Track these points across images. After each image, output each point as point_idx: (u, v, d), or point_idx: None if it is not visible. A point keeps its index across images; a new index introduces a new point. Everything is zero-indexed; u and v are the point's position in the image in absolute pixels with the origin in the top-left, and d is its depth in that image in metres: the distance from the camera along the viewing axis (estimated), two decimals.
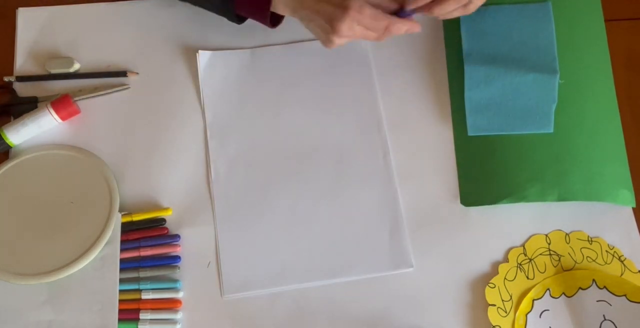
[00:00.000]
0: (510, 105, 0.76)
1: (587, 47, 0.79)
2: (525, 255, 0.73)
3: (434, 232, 0.75)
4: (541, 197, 0.72)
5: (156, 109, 0.80)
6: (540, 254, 0.73)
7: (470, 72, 0.77)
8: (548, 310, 0.71)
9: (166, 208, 0.75)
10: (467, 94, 0.77)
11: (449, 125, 0.78)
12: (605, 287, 0.71)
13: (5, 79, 0.81)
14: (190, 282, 0.73)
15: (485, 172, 0.75)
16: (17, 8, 0.84)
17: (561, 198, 0.72)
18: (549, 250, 0.74)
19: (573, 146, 0.74)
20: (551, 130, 0.75)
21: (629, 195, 0.74)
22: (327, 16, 0.66)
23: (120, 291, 0.71)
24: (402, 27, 0.67)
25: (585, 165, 0.73)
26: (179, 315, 0.71)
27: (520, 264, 0.73)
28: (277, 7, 0.72)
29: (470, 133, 0.76)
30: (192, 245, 0.74)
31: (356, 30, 0.67)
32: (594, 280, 0.72)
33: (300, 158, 0.77)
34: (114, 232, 0.73)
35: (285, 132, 0.79)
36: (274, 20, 0.75)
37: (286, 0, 0.70)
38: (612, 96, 0.78)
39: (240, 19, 0.77)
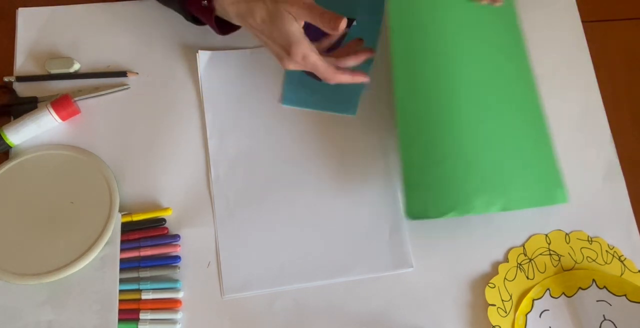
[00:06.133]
0: (323, 85, 0.72)
1: (510, 60, 0.73)
2: (525, 255, 0.73)
3: (434, 232, 0.74)
4: (486, 209, 0.67)
5: (156, 109, 0.80)
6: (540, 254, 0.73)
7: None
8: (548, 310, 0.71)
9: (166, 208, 0.75)
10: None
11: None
12: (605, 287, 0.71)
13: (5, 79, 0.81)
14: (190, 282, 0.73)
15: (432, 182, 0.69)
16: (17, 8, 0.84)
17: (504, 208, 0.68)
18: (549, 250, 0.74)
19: (512, 152, 0.69)
20: (354, 114, 0.74)
21: (562, 192, 0.70)
22: (280, 46, 0.68)
23: (120, 291, 0.71)
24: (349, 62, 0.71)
25: (524, 171, 0.68)
26: (179, 315, 0.71)
27: (520, 264, 0.73)
28: (229, 16, 0.71)
29: (284, 104, 0.75)
30: (192, 245, 0.74)
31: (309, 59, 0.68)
32: (594, 280, 0.72)
33: (300, 158, 0.77)
34: (114, 232, 0.73)
35: (285, 131, 0.79)
36: (228, 27, 0.74)
37: (237, 13, 0.70)
38: (534, 99, 0.73)
39: (197, 20, 0.77)
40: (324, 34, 0.72)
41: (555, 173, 0.71)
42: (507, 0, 0.73)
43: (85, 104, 0.80)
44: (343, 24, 0.66)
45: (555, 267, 0.73)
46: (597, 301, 0.71)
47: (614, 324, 0.70)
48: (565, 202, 0.70)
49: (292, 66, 0.69)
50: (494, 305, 0.71)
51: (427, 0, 0.72)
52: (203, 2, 0.71)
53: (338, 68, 0.70)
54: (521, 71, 0.74)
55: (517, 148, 0.69)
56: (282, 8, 0.67)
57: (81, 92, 0.80)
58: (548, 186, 0.69)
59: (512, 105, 0.71)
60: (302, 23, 0.69)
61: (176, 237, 0.74)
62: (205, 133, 0.78)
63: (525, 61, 0.75)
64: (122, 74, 0.81)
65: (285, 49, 0.68)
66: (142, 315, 0.70)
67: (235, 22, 0.72)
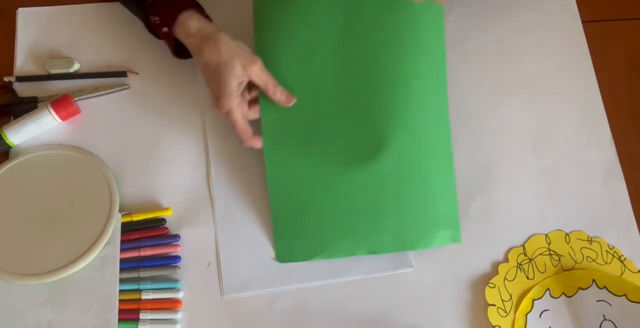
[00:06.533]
0: None
1: (427, 100, 0.71)
2: (525, 255, 0.73)
3: None
4: (352, 252, 0.71)
5: (156, 109, 0.80)
6: (540, 254, 0.73)
7: None
8: (548, 310, 0.71)
9: (166, 208, 0.75)
10: None
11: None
12: (605, 287, 0.71)
13: (5, 79, 0.81)
14: (190, 282, 0.73)
15: (299, 227, 0.72)
16: (17, 8, 0.84)
17: (371, 251, 0.71)
18: (549, 250, 0.74)
19: (385, 198, 0.70)
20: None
21: (450, 233, 0.71)
22: (213, 92, 0.70)
23: (120, 291, 0.71)
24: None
25: (396, 216, 0.70)
26: (179, 315, 0.71)
27: (520, 264, 0.73)
28: (186, 46, 0.72)
29: None
30: (192, 245, 0.74)
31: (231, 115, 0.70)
32: (594, 280, 0.72)
33: None
34: (114, 232, 0.73)
35: None
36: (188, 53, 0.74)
37: (189, 47, 0.71)
38: (447, 140, 0.73)
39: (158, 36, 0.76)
40: None
41: (443, 216, 0.71)
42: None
43: (85, 104, 0.80)
44: (293, 102, 0.71)
45: (555, 267, 0.73)
46: (597, 301, 0.71)
47: (614, 324, 0.70)
48: (457, 242, 0.72)
49: (217, 113, 0.71)
50: (494, 305, 0.71)
51: (295, 30, 0.73)
52: (163, 29, 0.72)
53: (254, 134, 0.71)
54: (422, 104, 0.71)
55: (390, 193, 0.70)
56: (237, 62, 0.67)
57: (81, 92, 0.80)
58: (428, 229, 0.70)
59: (393, 151, 0.70)
60: (245, 83, 0.70)
61: (176, 237, 0.74)
62: (205, 133, 0.78)
63: (438, 109, 0.72)
64: (122, 74, 0.81)
65: (216, 98, 0.69)
66: (142, 315, 0.70)
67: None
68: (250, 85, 0.71)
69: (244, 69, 0.68)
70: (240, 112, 0.69)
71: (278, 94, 0.71)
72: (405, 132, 0.70)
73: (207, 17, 0.73)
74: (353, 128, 0.71)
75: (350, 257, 0.72)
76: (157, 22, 0.72)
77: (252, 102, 0.72)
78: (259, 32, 0.74)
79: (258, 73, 0.69)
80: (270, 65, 0.71)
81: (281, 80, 0.71)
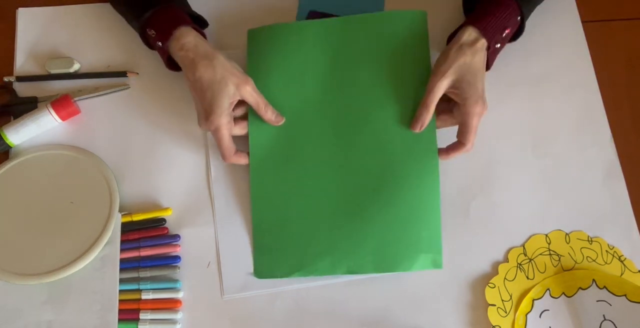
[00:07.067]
0: None
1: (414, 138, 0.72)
2: (525, 255, 0.73)
3: None
4: (331, 271, 0.71)
5: (156, 109, 0.80)
6: (540, 254, 0.73)
7: None
8: (548, 310, 0.71)
9: (166, 208, 0.75)
10: None
11: None
12: (605, 287, 0.71)
13: (5, 79, 0.81)
14: (190, 282, 0.73)
15: (279, 244, 0.73)
16: (17, 8, 0.84)
17: (350, 271, 0.71)
18: (549, 250, 0.74)
19: (367, 219, 0.71)
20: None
21: (431, 258, 0.71)
22: (201, 112, 0.71)
23: (120, 291, 0.71)
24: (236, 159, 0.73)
25: (377, 238, 0.71)
26: (179, 315, 0.71)
27: (520, 264, 0.73)
28: (177, 60, 0.73)
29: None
30: (192, 245, 0.74)
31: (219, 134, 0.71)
32: (594, 280, 0.72)
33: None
34: (114, 232, 0.73)
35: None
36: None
37: (181, 61, 0.71)
38: (434, 162, 0.72)
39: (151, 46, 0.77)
40: None
41: (425, 239, 0.71)
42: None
43: (85, 104, 0.80)
44: (282, 122, 0.74)
45: (555, 267, 0.73)
46: (597, 301, 0.71)
47: (614, 324, 0.70)
48: (437, 268, 0.72)
49: (203, 129, 0.71)
50: (494, 305, 0.71)
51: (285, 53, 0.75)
52: (157, 43, 0.73)
53: (237, 151, 0.72)
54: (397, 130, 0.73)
55: (372, 215, 0.71)
56: (231, 81, 0.69)
57: (81, 92, 0.80)
58: (409, 253, 0.71)
59: (377, 175, 0.72)
60: (235, 102, 0.71)
61: (176, 237, 0.74)
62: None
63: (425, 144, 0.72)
64: (122, 74, 0.81)
65: (206, 114, 0.70)
66: (142, 315, 0.70)
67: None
68: (237, 102, 0.72)
69: (236, 88, 0.69)
70: (228, 129, 0.71)
71: (269, 113, 0.72)
72: (389, 158, 0.72)
73: (202, 34, 0.74)
74: (338, 150, 0.73)
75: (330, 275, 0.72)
76: (153, 35, 0.72)
77: (237, 119, 0.73)
78: (252, 60, 0.76)
79: (250, 92, 0.70)
80: (260, 89, 0.72)
81: (270, 103, 0.73)
